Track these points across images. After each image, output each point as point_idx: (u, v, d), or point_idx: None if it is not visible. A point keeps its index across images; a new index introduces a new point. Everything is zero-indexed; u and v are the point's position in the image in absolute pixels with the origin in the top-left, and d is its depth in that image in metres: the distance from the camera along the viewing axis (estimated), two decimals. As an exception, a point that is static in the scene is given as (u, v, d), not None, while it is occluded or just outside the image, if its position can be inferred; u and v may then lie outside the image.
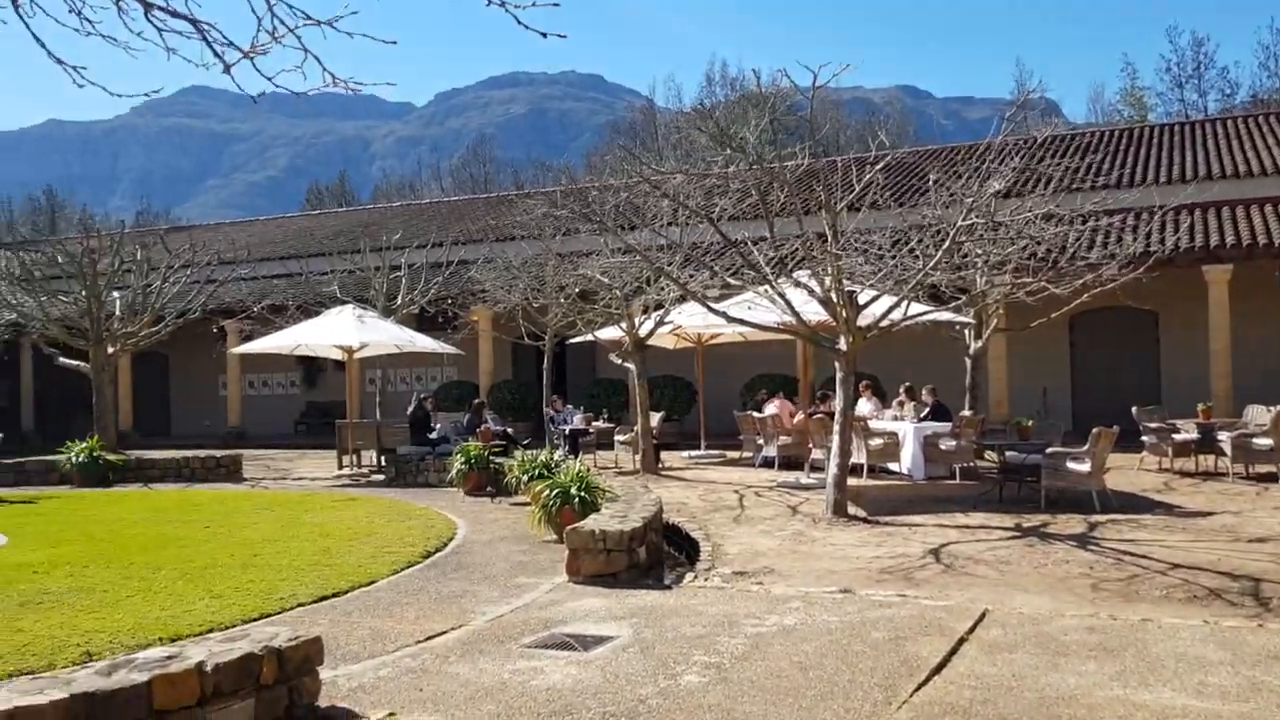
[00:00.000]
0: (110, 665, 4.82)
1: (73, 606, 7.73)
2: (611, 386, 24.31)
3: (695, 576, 8.70)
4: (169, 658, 4.93)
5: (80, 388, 25.58)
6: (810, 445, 15.34)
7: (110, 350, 22.00)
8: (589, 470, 11.18)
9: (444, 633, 7.00)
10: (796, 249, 13.56)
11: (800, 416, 16.26)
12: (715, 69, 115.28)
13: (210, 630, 7.05)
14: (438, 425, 17.96)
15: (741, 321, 11.95)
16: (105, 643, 6.71)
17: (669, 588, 8.27)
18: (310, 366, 29.89)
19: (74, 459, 17.96)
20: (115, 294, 22.75)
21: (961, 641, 6.47)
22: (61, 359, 22.72)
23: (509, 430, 17.75)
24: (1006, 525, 10.95)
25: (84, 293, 21.62)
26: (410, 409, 18.06)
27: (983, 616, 7.09)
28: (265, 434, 28.18)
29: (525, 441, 17.43)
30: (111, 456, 18.40)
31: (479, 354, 25.20)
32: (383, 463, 18.03)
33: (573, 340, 19.81)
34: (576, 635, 6.80)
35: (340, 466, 19.04)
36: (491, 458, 14.85)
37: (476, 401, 18.70)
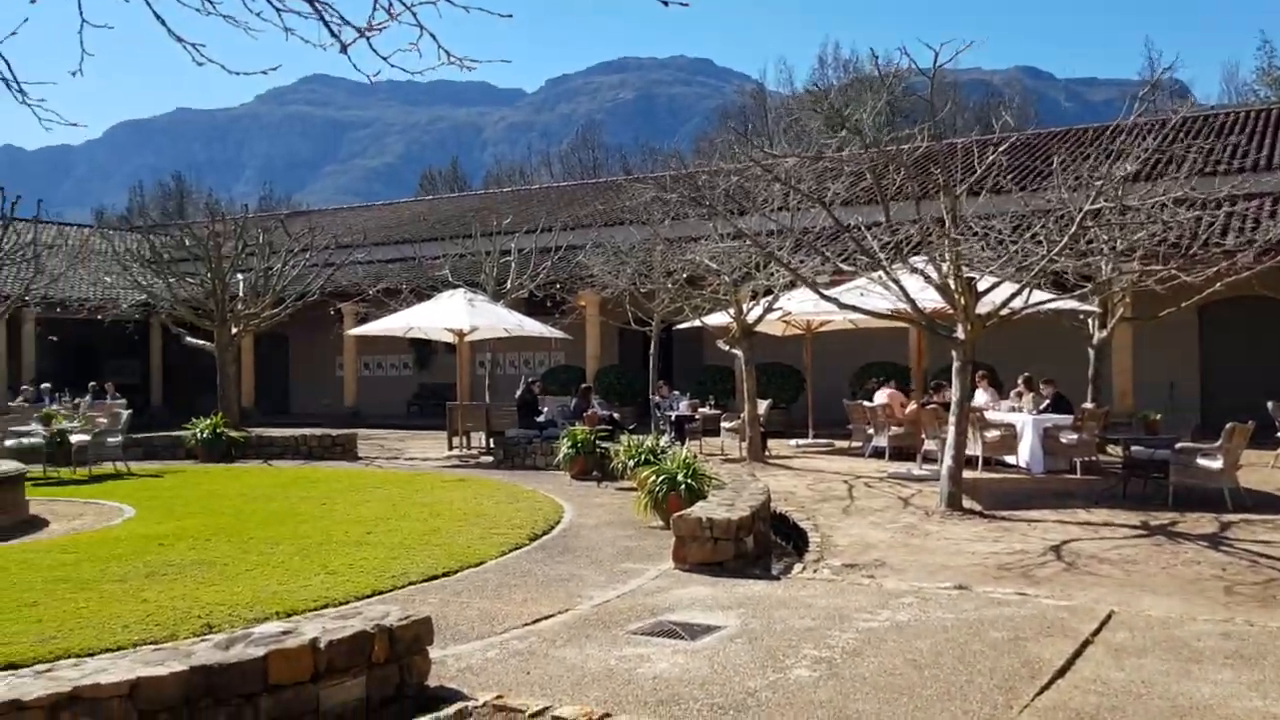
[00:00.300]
0: (228, 639, 4.93)
1: (194, 578, 7.98)
2: (718, 373, 24.14)
3: (804, 568, 8.54)
4: (284, 633, 5.02)
5: (205, 366, 26.59)
6: (923, 436, 14.96)
7: (234, 330, 22.76)
8: (695, 457, 11.08)
9: (551, 616, 7.00)
10: (912, 234, 13.19)
11: (913, 406, 15.88)
12: (828, 51, 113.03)
13: (324, 606, 7.19)
14: (545, 409, 18.09)
15: (854, 308, 11.69)
16: (224, 615, 6.90)
17: (777, 578, 8.13)
18: (422, 349, 30.44)
19: (199, 435, 18.65)
20: (239, 276, 23.51)
21: (1086, 644, 6.18)
22: (188, 338, 23.60)
23: (615, 415, 17.77)
24: (1132, 523, 10.47)
25: (209, 275, 22.41)
26: (518, 392, 18.24)
27: (1108, 618, 6.77)
28: (379, 414, 28.86)
29: (631, 427, 17.42)
30: (234, 433, 19.05)
31: (586, 339, 25.31)
32: (491, 445, 18.25)
33: (680, 326, 19.71)
34: (683, 624, 6.73)
35: (450, 447, 19.34)
36: (598, 442, 14.87)
37: (583, 386, 18.78)
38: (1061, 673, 5.65)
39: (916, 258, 12.02)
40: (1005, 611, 6.93)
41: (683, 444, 13.94)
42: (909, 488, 13.15)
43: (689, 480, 10.34)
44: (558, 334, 20.57)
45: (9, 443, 16.26)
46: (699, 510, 8.71)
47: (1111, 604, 7.15)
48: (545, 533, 10.22)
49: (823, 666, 5.74)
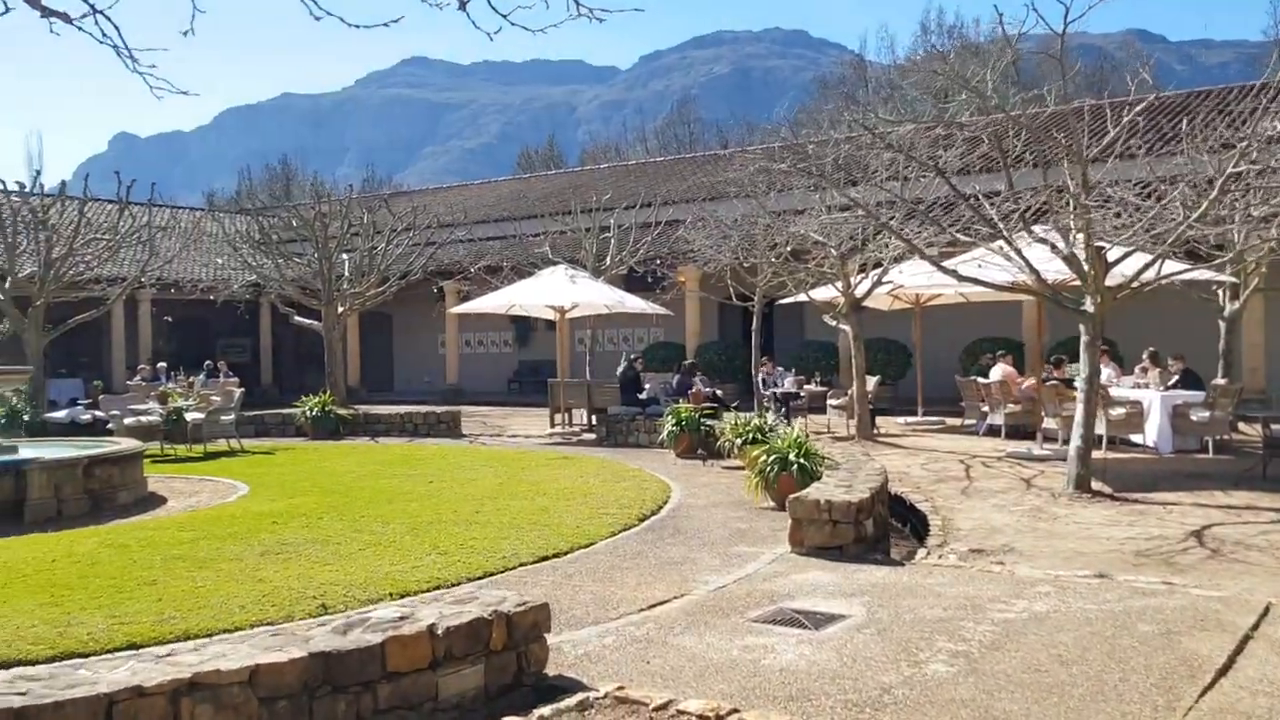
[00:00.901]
0: (345, 623, 4.82)
1: (308, 558, 7.98)
2: (821, 348, 23.66)
3: (928, 553, 8.16)
4: (401, 618, 4.89)
5: (312, 345, 27.12)
6: (1042, 413, 14.33)
7: (340, 309, 23.09)
8: (807, 436, 10.74)
9: (666, 601, 6.78)
10: (1033, 203, 12.56)
11: (1030, 382, 15.23)
12: (931, 17, 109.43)
13: (437, 587, 7.10)
14: (647, 385, 17.90)
15: (974, 281, 11.17)
16: (339, 595, 6.85)
17: (900, 564, 7.77)
18: (522, 326, 30.58)
19: (308, 413, 18.97)
20: (344, 256, 23.84)
21: (1246, 639, 5.71)
22: (296, 318, 24.04)
23: (718, 392, 17.48)
24: (1277, 506, 9.81)
25: (316, 255, 22.76)
26: (620, 369, 18.08)
27: (1266, 611, 6.27)
28: (480, 391, 29.08)
29: (735, 404, 17.12)
30: (341, 411, 19.33)
31: (685, 314, 25.05)
32: (593, 422, 18.15)
33: (783, 301, 19.29)
34: (805, 612, 6.44)
35: (552, 425, 19.31)
36: (703, 420, 14.61)
37: (688, 363, 18.53)
38: (1224, 671, 5.21)
39: (1039, 226, 11.42)
40: (1152, 602, 6.47)
41: (789, 422, 13.60)
42: (1030, 468, 12.60)
43: (801, 460, 10.02)
44: (658, 310, 20.34)
45: (128, 421, 16.72)
46: (815, 492, 8.39)
47: (1267, 595, 6.64)
48: (654, 513, 10.02)
49: (960, 661, 5.40)
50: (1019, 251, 10.72)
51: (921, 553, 8.20)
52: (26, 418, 18.02)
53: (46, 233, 21.11)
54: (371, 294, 23.47)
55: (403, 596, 6.90)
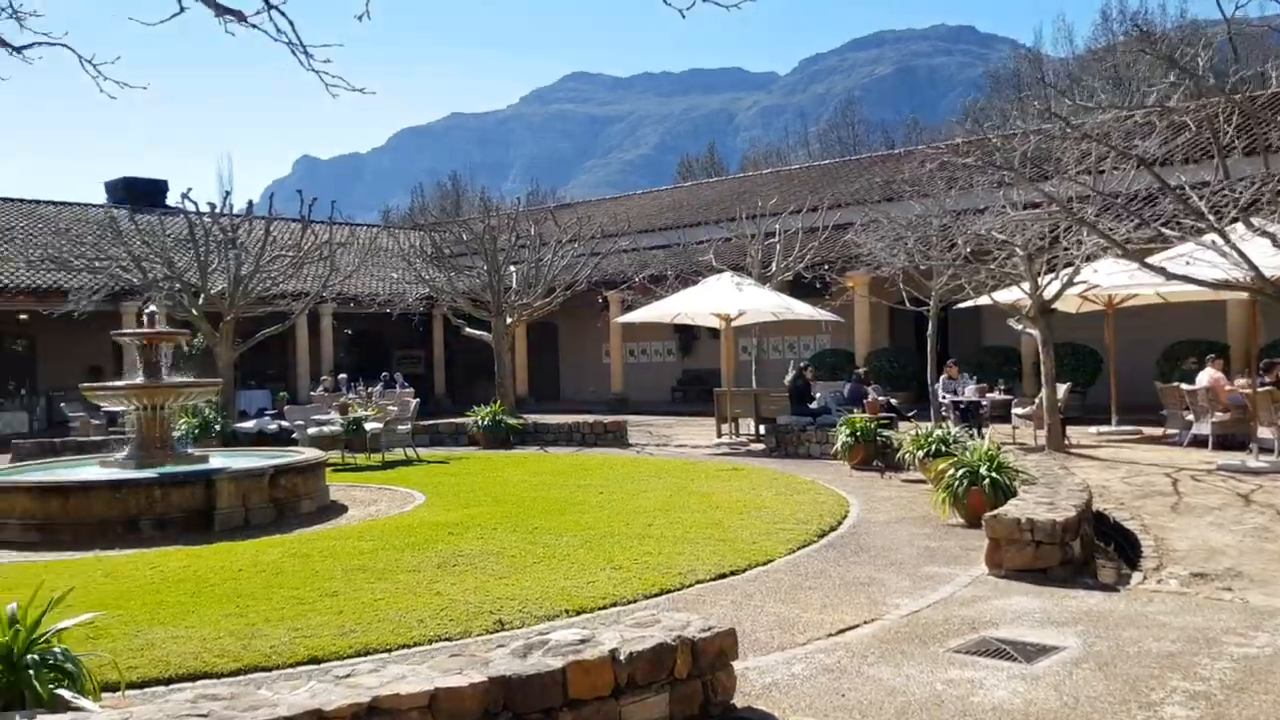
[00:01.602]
0: (525, 646, 4.60)
1: (484, 570, 7.88)
2: (1001, 354, 22.53)
3: (1144, 577, 7.42)
4: (582, 642, 4.64)
5: (482, 356, 27.64)
6: (1256, 422, 13.10)
7: (508, 320, 23.41)
8: (999, 448, 10.05)
9: (856, 626, 6.34)
10: (1252, 193, 11.46)
11: (1241, 386, 13.97)
12: (1111, 5, 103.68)
13: (613, 604, 6.87)
14: (817, 394, 17.36)
15: (1184, 279, 10.23)
16: (515, 611, 6.69)
17: (1114, 589, 7.08)
18: (685, 334, 30.40)
19: (479, 422, 19.23)
20: (512, 268, 24.17)
21: None
22: (467, 329, 24.52)
23: (893, 401, 16.78)
24: None
25: (485, 268, 23.14)
26: (789, 377, 17.59)
27: None
28: (644, 400, 29.03)
29: (911, 413, 16.40)
30: (511, 420, 19.51)
31: (855, 320, 24.31)
32: (762, 432, 17.72)
33: (961, 305, 18.40)
34: (1013, 642, 5.89)
35: (719, 434, 18.98)
36: (879, 430, 14.00)
37: (861, 370, 17.90)
38: None
39: (1257, 219, 10.40)
40: None
41: (979, 432, 12.85)
42: (1247, 482, 11.49)
43: (993, 474, 9.35)
44: (827, 316, 19.76)
45: (311, 431, 17.28)
46: (1015, 509, 7.76)
47: None
48: (833, 528, 9.54)
49: (1201, 704, 4.78)
50: (1237, 248, 9.75)
51: (1137, 577, 7.47)
52: (218, 427, 18.92)
53: (235, 251, 22.17)
54: (538, 305, 23.70)
55: (579, 613, 6.69)
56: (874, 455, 13.94)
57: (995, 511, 7.74)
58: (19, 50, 4.11)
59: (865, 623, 6.42)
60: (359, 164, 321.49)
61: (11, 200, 31.70)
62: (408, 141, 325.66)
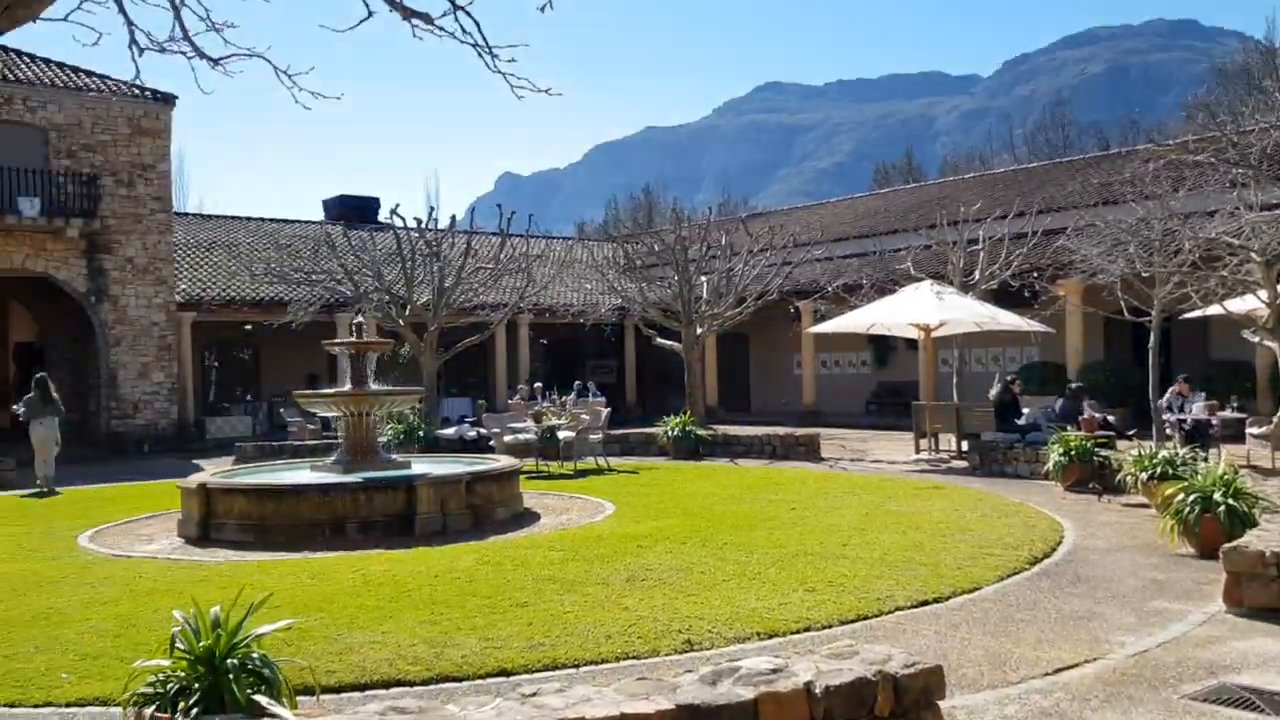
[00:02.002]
0: (714, 673, 4.38)
1: (673, 586, 7.71)
2: (1231, 369, 20.76)
3: None
4: (774, 671, 4.37)
5: (672, 366, 27.70)
6: None
7: (699, 331, 23.33)
8: (1236, 472, 9.11)
9: (1076, 665, 5.80)
10: None
11: None
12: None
13: (806, 629, 6.56)
14: (1025, 410, 16.40)
15: None
16: (704, 630, 6.48)
17: (1383, 638, 6.23)
18: (880, 345, 29.54)
19: (669, 433, 19.18)
20: (703, 278, 24.08)
21: None
22: (658, 339, 24.59)
23: (1110, 418, 15.65)
24: None
25: (677, 278, 23.14)
26: (994, 391, 16.71)
27: None
28: (837, 412, 28.32)
29: (1131, 432, 15.25)
30: (701, 431, 19.37)
31: (1066, 331, 22.92)
32: (964, 449, 16.90)
33: (1185, 316, 17.01)
34: (1258, 690, 5.24)
35: (917, 450, 18.24)
36: (1096, 450, 13.04)
37: (1074, 385, 16.80)
38: None
39: None
40: None
41: (1208, 454, 11.78)
42: None
43: (1230, 500, 8.48)
44: (1036, 326, 18.67)
45: (507, 439, 17.65)
46: (1258, 541, 6.98)
47: None
48: (1046, 555, 8.87)
49: None
50: None
51: None
52: (421, 434, 19.61)
53: (439, 264, 23.00)
54: (729, 315, 23.50)
55: (769, 637, 6.42)
56: (1090, 476, 13.01)
57: (1235, 543, 6.97)
58: (217, 62, 4.23)
59: (1086, 661, 5.87)
60: (557, 179, 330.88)
61: (238, 218, 34.09)
62: (602, 157, 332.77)
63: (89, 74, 25.65)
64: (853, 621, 6.79)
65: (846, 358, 31.09)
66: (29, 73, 24.79)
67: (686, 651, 6.13)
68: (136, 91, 25.78)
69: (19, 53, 25.63)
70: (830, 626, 6.65)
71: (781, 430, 20.14)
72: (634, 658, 6.03)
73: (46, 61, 25.65)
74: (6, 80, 24.09)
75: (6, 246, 23.78)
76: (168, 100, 26.18)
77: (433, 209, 26.78)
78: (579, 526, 10.92)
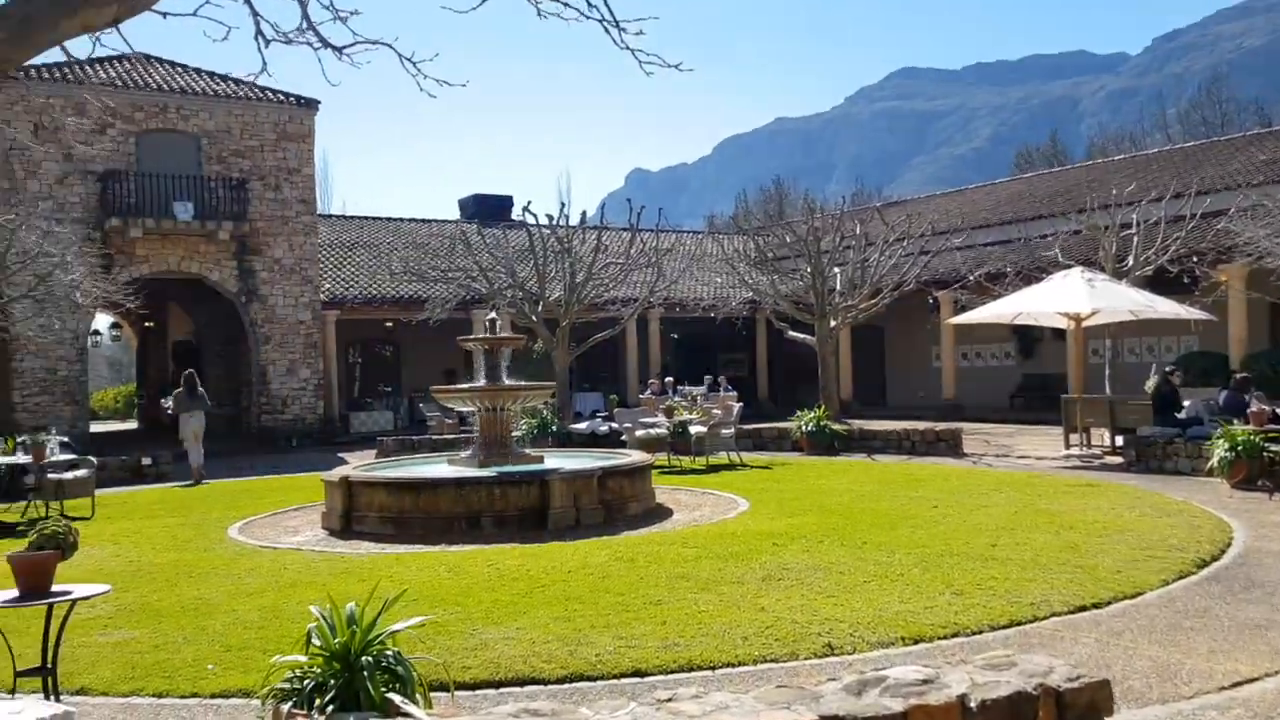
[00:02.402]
0: (859, 682, 4.13)
1: (811, 586, 7.45)
2: None
3: None
4: (925, 682, 4.10)
5: (805, 359, 27.23)
6: None
7: (832, 323, 22.84)
8: None
9: (1256, 679, 5.33)
10: None
11: None
12: None
13: (954, 634, 6.23)
14: (1186, 403, 15.45)
15: None
16: (845, 634, 6.21)
17: None
18: (1025, 336, 28.42)
19: (803, 427, 18.80)
20: (836, 270, 23.58)
21: None
22: (790, 332, 24.20)
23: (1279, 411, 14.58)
24: None
25: (809, 270, 22.70)
26: (1151, 383, 15.82)
27: None
28: (978, 406, 27.34)
29: (1306, 426, 14.14)
30: (836, 426, 18.93)
31: (1229, 319, 21.55)
32: (1118, 444, 16.03)
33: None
34: None
35: (1067, 446, 17.40)
36: (1266, 445, 12.15)
37: (1240, 376, 15.73)
38: None
39: None
40: None
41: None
42: None
43: None
44: (1196, 314, 17.56)
45: (639, 433, 17.59)
46: None
47: None
48: (1214, 558, 8.26)
49: None
50: None
51: None
52: (554, 428, 19.76)
53: (570, 260, 23.13)
54: (864, 306, 22.94)
55: (915, 642, 6.12)
56: (1260, 473, 12.13)
57: None
58: (342, 51, 4.20)
59: (1267, 675, 5.39)
60: (685, 174, 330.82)
61: (379, 219, 35.10)
62: (732, 149, 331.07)
63: (237, 82, 26.74)
64: (1004, 627, 6.42)
65: (989, 349, 30.02)
66: (182, 82, 25.99)
67: (827, 656, 5.89)
68: (282, 98, 26.76)
69: (173, 63, 26.91)
70: (980, 632, 6.31)
71: (921, 425, 19.52)
72: (772, 661, 5.82)
73: (198, 71, 26.85)
74: (162, 90, 25.31)
75: (164, 249, 25.00)
76: (310, 105, 27.09)
77: (564, 205, 26.98)
78: (712, 523, 10.73)
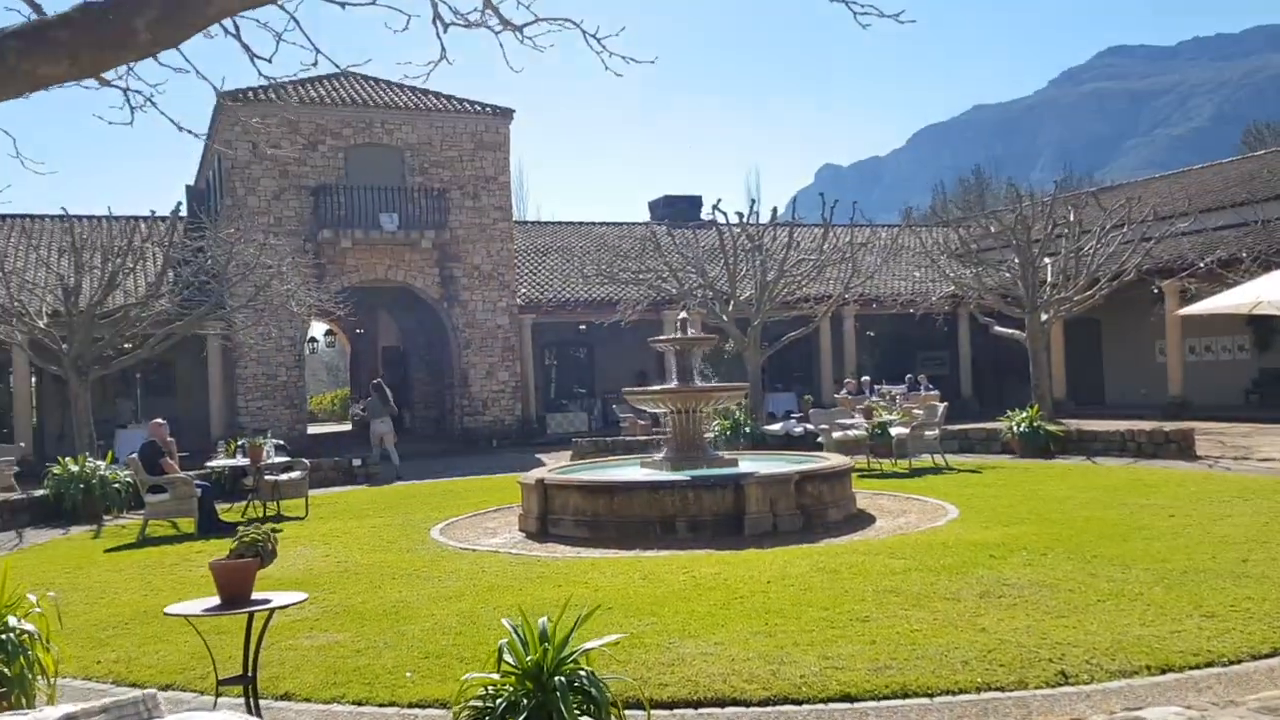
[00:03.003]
0: (1112, 726, 3.60)
1: (1035, 605, 6.79)
2: None
3: None
4: (1191, 730, 3.53)
5: (1012, 356, 25.81)
6: None
7: (1044, 317, 21.50)
8: None
9: None
10: None
11: None
12: None
13: (1208, 664, 5.52)
14: None
15: None
16: (1080, 660, 5.58)
17: None
18: (1262, 327, 26.00)
19: (1015, 428, 17.68)
20: (1047, 260, 22.19)
21: None
22: (996, 328, 22.96)
23: None
24: None
25: (1017, 260, 21.43)
26: None
27: None
28: (1208, 404, 25.18)
29: None
30: (1051, 427, 17.71)
31: None
32: (1382, 446, 14.29)
33: None
34: None
35: (1319, 447, 15.68)
36: None
37: None
38: None
39: None
40: None
41: None
42: None
43: None
44: None
45: (836, 435, 17.00)
46: None
47: None
48: None
49: None
50: None
51: None
52: (747, 429, 19.38)
53: (761, 256, 22.69)
54: (1079, 299, 21.48)
55: (1163, 671, 5.44)
56: None
57: None
58: (521, 30, 3.99)
59: None
60: (878, 167, 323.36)
61: (571, 223, 35.64)
62: (927, 140, 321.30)
63: (436, 95, 27.65)
64: (1267, 656, 5.64)
65: (1220, 342, 27.65)
66: (386, 98, 27.08)
67: (1060, 685, 5.29)
68: (478, 108, 27.51)
69: (375, 80, 28.12)
70: (1239, 662, 5.56)
71: (1146, 425, 18.04)
72: (997, 689, 5.27)
73: (401, 87, 27.92)
74: (368, 105, 26.45)
75: (371, 259, 26.10)
76: (505, 114, 27.72)
77: (754, 201, 26.58)
78: (919, 531, 10.11)
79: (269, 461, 13.73)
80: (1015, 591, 7.17)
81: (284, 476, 13.71)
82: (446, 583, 8.54)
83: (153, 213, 22.39)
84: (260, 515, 13.61)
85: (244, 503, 14.17)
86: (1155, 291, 24.65)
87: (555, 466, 13.06)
